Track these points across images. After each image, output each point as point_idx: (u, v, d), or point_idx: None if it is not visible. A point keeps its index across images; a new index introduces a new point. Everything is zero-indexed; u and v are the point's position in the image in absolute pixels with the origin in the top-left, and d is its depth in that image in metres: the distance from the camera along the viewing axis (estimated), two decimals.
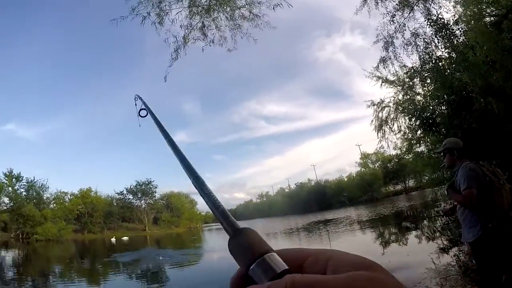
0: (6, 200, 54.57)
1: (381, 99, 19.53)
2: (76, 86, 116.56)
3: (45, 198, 58.97)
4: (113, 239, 48.03)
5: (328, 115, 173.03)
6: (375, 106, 20.03)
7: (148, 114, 1.07)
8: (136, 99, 1.26)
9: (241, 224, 0.43)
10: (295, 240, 23.78)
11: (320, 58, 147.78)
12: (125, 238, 49.71)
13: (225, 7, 11.11)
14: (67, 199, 64.07)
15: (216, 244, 30.65)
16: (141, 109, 1.12)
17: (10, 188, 54.03)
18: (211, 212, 0.48)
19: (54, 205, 60.23)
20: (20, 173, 55.60)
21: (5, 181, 53.84)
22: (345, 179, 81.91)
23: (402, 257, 9.91)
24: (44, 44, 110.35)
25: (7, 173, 54.22)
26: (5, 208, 54.03)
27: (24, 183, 55.99)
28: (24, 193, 55.72)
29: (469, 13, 11.57)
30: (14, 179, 54.55)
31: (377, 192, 69.56)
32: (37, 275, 18.69)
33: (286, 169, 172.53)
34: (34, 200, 55.42)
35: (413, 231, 15.96)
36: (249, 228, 0.44)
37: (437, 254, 8.75)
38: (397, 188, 69.90)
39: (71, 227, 57.84)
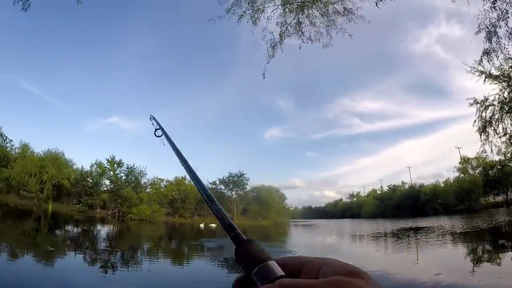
0: (107, 182, 62.29)
1: (484, 97, 17.93)
2: (173, 83, 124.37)
3: (142, 182, 64.87)
4: (202, 225, 51.23)
5: (426, 114, 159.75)
6: (478, 105, 18.47)
7: (163, 134, 1.08)
8: (151, 119, 1.29)
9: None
10: (381, 245, 22.80)
11: (415, 51, 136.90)
12: (213, 225, 51.39)
13: (318, 3, 10.87)
14: (162, 185, 69.42)
15: (300, 240, 30.54)
16: (156, 129, 1.14)
17: (111, 172, 61.22)
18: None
19: (150, 189, 65.61)
20: (121, 159, 62.51)
21: (108, 166, 61.45)
22: (441, 185, 74.49)
23: (494, 279, 9.04)
24: (146, 45, 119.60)
25: (110, 159, 61.63)
26: (105, 189, 61.51)
27: (125, 169, 62.67)
28: (124, 177, 62.13)
29: None
30: (115, 165, 61.50)
31: (475, 203, 62.41)
32: (126, 249, 20.36)
33: (379, 169, 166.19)
34: (132, 184, 61.25)
35: (510, 251, 14.20)
36: (252, 240, 0.52)
37: None
38: (498, 199, 61.71)
39: (164, 210, 62.64)
